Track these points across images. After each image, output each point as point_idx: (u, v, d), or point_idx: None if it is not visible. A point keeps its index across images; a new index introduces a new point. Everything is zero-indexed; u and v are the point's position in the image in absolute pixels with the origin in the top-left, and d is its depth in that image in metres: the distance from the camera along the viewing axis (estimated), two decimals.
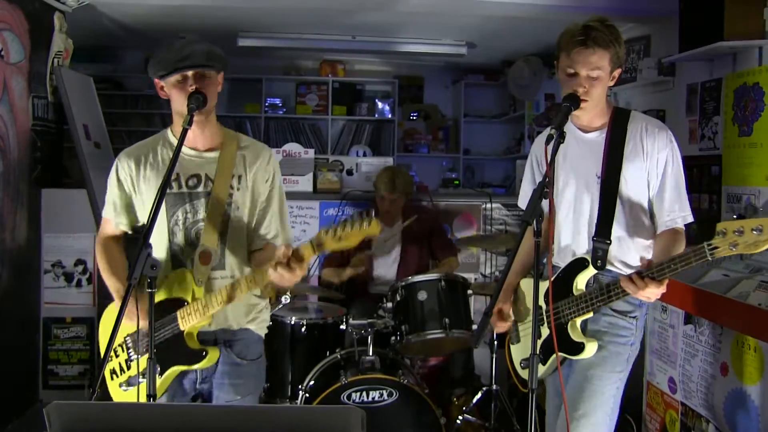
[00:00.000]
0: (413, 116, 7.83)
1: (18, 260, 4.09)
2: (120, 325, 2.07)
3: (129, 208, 2.53)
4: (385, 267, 4.35)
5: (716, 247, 2.06)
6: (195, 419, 1.34)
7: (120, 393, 2.54)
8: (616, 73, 2.45)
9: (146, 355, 2.22)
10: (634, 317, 2.53)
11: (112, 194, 2.52)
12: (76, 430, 1.29)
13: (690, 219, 2.46)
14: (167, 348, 2.40)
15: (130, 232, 2.58)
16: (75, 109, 4.40)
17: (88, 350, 4.36)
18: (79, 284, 4.32)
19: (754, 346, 2.88)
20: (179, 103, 2.36)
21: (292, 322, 3.75)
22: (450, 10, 5.01)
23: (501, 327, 2.70)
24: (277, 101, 7.48)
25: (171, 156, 2.36)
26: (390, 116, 7.53)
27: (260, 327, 2.60)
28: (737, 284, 3.14)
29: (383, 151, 7.45)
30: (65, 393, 4.32)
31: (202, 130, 2.44)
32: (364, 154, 6.33)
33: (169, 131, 2.54)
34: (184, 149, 2.41)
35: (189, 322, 2.38)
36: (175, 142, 2.47)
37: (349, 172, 5.14)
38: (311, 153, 5.07)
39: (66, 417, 1.29)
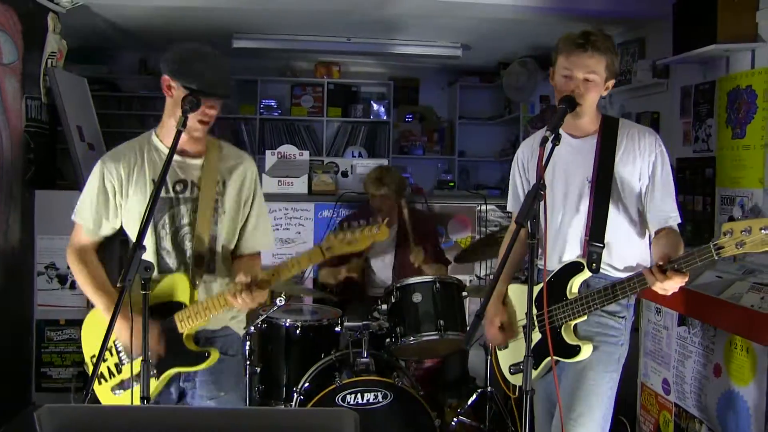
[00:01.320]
0: (408, 118, 7.83)
1: (11, 262, 4.08)
2: (113, 329, 2.07)
3: (108, 216, 2.50)
4: (380, 269, 4.34)
5: (722, 247, 2.10)
6: (187, 421, 1.34)
7: (111, 397, 2.54)
8: (610, 84, 2.49)
9: (137, 360, 2.25)
10: (622, 317, 2.54)
11: (92, 200, 2.48)
12: None
13: (678, 220, 2.49)
14: (167, 350, 2.41)
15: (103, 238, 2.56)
16: (69, 110, 4.39)
17: (81, 353, 4.34)
18: (72, 286, 4.30)
19: (747, 347, 2.89)
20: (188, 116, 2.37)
21: (287, 324, 3.74)
22: (445, 12, 5.01)
23: (500, 339, 2.70)
24: (272, 103, 7.47)
25: (157, 159, 2.44)
26: (385, 118, 7.53)
27: (239, 326, 2.66)
28: (730, 286, 3.15)
29: (378, 152, 7.45)
30: (58, 395, 4.30)
31: (191, 136, 2.46)
32: (360, 156, 6.33)
33: (153, 135, 2.53)
34: None
35: (188, 324, 2.40)
36: (160, 145, 2.50)
37: (344, 174, 5.14)
38: (306, 155, 5.07)
39: (57, 420, 1.28)
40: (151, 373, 2.34)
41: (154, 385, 2.40)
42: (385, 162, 5.29)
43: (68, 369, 4.33)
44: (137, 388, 2.34)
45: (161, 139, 2.50)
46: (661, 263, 2.25)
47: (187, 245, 2.46)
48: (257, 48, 6.23)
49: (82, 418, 1.32)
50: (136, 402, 2.34)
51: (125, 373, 2.51)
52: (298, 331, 3.73)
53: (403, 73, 7.73)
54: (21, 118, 4.18)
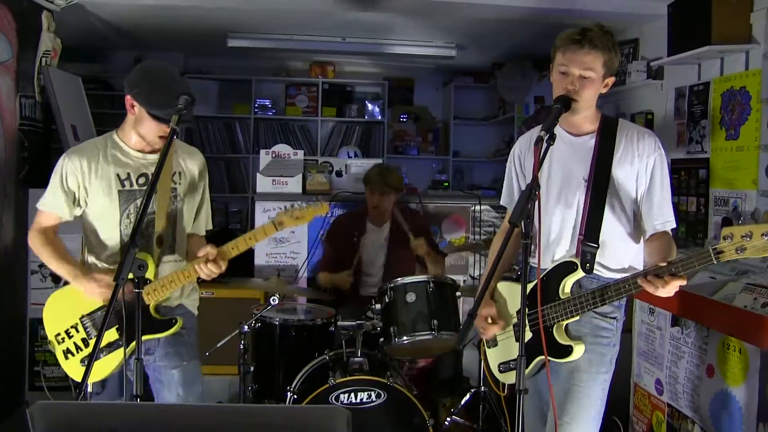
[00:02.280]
0: (403, 118, 7.83)
1: (4, 261, 4.07)
2: (105, 326, 2.20)
3: (69, 203, 2.73)
4: (373, 269, 4.35)
5: (722, 251, 2.08)
6: (180, 418, 1.34)
7: (79, 369, 2.75)
8: (609, 81, 2.47)
9: (111, 329, 2.67)
10: (614, 318, 2.54)
11: (55, 191, 2.72)
12: (59, 430, 1.29)
13: (673, 225, 2.48)
14: (135, 321, 2.52)
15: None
16: (63, 109, 4.38)
17: None
18: (66, 285, 4.29)
19: (740, 347, 2.90)
20: (149, 134, 2.65)
21: (281, 324, 3.74)
22: (440, 12, 5.02)
23: (490, 331, 2.68)
24: (267, 102, 7.46)
25: (120, 156, 2.71)
26: (380, 118, 7.53)
27: (193, 304, 2.93)
28: (723, 286, 3.16)
29: (373, 152, 7.45)
30: (52, 394, 4.29)
31: (151, 143, 2.70)
32: (355, 155, 6.32)
33: (115, 135, 2.77)
34: (131, 152, 2.73)
35: (154, 297, 2.67)
36: (122, 144, 2.74)
37: (339, 174, 5.14)
38: (300, 154, 5.07)
39: (49, 417, 1.28)
40: (120, 343, 2.65)
41: (123, 353, 2.61)
42: (380, 162, 5.29)
43: (61, 368, 4.31)
44: (106, 358, 2.69)
45: (122, 139, 2.75)
46: (656, 269, 2.24)
47: (150, 230, 2.70)
48: (252, 47, 6.22)
49: (73, 414, 1.32)
50: (106, 371, 2.69)
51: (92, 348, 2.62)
52: (291, 331, 3.73)
53: (398, 73, 7.73)
54: (15, 116, 4.17)
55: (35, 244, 2.77)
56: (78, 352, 2.77)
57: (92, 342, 2.72)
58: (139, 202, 2.69)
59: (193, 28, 5.56)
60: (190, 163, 2.87)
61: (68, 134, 4.35)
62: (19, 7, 4.16)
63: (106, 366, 2.70)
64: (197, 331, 2.95)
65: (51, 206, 2.74)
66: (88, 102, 4.98)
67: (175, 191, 2.78)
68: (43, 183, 4.39)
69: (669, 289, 2.23)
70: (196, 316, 2.96)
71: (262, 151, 5.07)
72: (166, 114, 2.54)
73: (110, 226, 2.71)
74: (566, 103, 2.38)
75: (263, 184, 4.94)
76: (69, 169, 2.70)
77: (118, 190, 2.69)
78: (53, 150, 4.63)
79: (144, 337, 2.54)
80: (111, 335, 2.69)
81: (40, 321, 4.31)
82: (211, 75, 7.30)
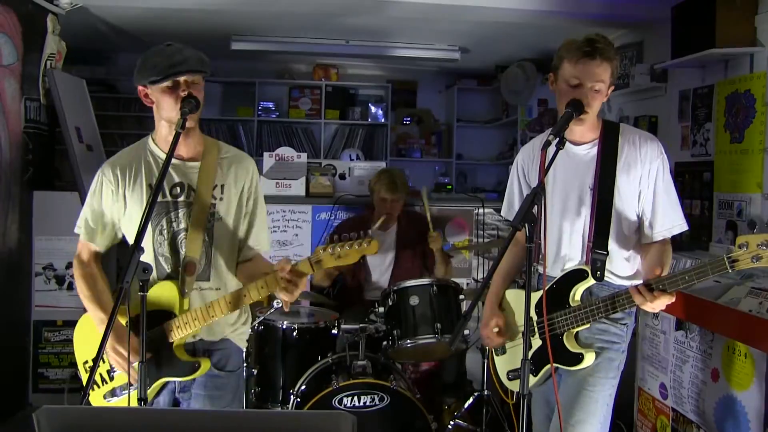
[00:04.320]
0: (406, 121, 7.84)
1: (9, 263, 4.07)
2: (108, 337, 2.04)
3: (107, 226, 2.47)
4: (379, 272, 4.34)
5: (737, 260, 2.06)
6: (184, 424, 1.34)
7: (103, 404, 2.49)
8: (611, 89, 2.47)
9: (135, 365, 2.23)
10: (624, 324, 2.53)
11: (93, 212, 2.46)
12: None
13: (685, 227, 2.47)
14: (156, 359, 2.37)
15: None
16: (67, 111, 4.39)
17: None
18: (70, 287, 4.30)
19: (745, 352, 2.88)
20: (169, 109, 2.33)
21: (284, 327, 3.74)
22: (443, 15, 5.02)
23: (495, 341, 2.68)
24: (270, 105, 7.47)
25: (153, 164, 2.40)
26: (383, 121, 7.54)
27: (241, 339, 2.59)
28: (728, 290, 3.15)
29: (376, 155, 7.46)
30: (55, 396, 4.29)
31: (185, 138, 2.38)
32: (357, 158, 6.32)
33: (150, 140, 2.49)
34: (164, 156, 2.38)
35: (178, 334, 2.36)
36: (157, 150, 2.45)
37: (342, 177, 5.13)
38: (304, 157, 5.06)
39: (55, 421, 1.28)
40: (147, 356, 2.25)
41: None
42: (383, 165, 5.28)
43: (65, 370, 4.33)
44: (129, 396, 2.30)
45: (157, 143, 2.46)
46: (649, 282, 2.23)
47: (183, 250, 2.40)
48: (255, 50, 6.24)
49: (79, 419, 1.32)
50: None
51: (117, 381, 2.48)
52: (294, 334, 3.72)
53: (401, 75, 7.74)
54: (20, 119, 4.18)
55: (75, 274, 2.50)
56: (103, 385, 2.50)
57: (117, 376, 2.47)
58: (172, 215, 2.39)
59: (196, 30, 5.56)
60: (238, 172, 2.49)
61: (73, 136, 4.36)
62: (24, 10, 4.18)
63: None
64: (243, 371, 2.58)
65: (86, 229, 2.47)
66: (93, 104, 4.99)
67: (214, 208, 2.42)
68: (47, 185, 4.45)
69: (656, 305, 2.23)
70: (243, 353, 2.62)
71: (266, 154, 5.07)
72: (163, 71, 2.27)
73: (144, 244, 2.27)
74: (578, 107, 2.35)
75: (267, 186, 4.93)
76: (104, 185, 2.43)
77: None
78: (58, 152, 4.65)
79: (164, 379, 2.39)
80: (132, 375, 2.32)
81: (44, 323, 4.40)
82: (214, 78, 7.30)
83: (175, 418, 1.40)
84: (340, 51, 6.42)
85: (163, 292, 2.39)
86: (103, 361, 2.48)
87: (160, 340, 2.36)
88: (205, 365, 2.40)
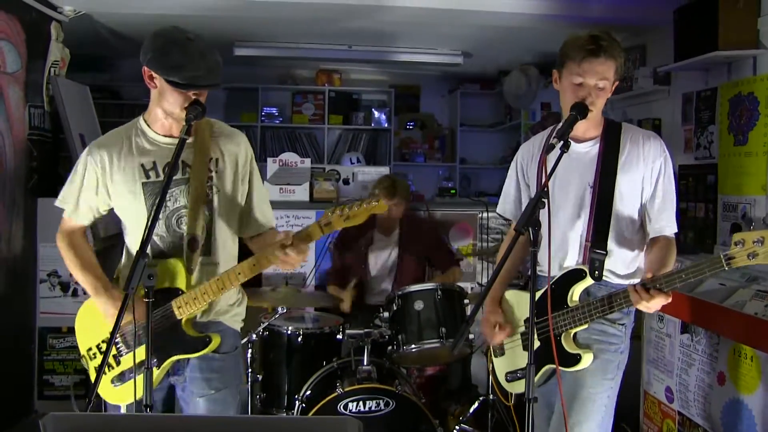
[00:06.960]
0: (409, 125, 7.84)
1: (13, 270, 4.08)
2: (116, 333, 2.05)
3: (91, 203, 2.48)
4: (382, 277, 4.34)
5: (733, 257, 2.05)
6: (192, 430, 1.34)
7: (111, 389, 2.50)
8: (615, 85, 2.46)
9: (140, 348, 2.30)
10: (622, 324, 2.52)
11: (75, 188, 2.47)
12: None
13: (675, 229, 2.46)
14: (165, 338, 2.36)
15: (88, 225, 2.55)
16: (71, 118, 4.40)
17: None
18: (75, 294, 4.30)
19: (751, 355, 2.88)
20: (173, 105, 2.33)
21: (289, 332, 3.74)
22: (446, 19, 5.02)
23: (497, 338, 2.68)
24: (274, 110, 7.47)
25: (146, 144, 2.42)
26: (386, 125, 7.54)
27: (235, 321, 2.58)
28: (734, 293, 3.14)
29: (379, 160, 7.45)
30: (61, 403, 4.29)
31: (178, 120, 2.38)
32: (358, 161, 6.33)
33: (141, 120, 2.48)
34: (158, 137, 2.43)
35: (186, 311, 2.36)
36: (148, 130, 2.45)
37: (346, 182, 5.14)
38: (307, 162, 5.07)
39: (61, 428, 1.28)
40: (153, 362, 2.25)
41: (156, 374, 2.36)
42: (386, 170, 5.29)
43: (70, 377, 4.32)
44: (137, 379, 2.32)
45: (149, 124, 2.46)
46: (645, 282, 2.23)
47: (183, 228, 2.40)
48: (258, 56, 6.24)
49: (86, 426, 1.32)
50: (137, 393, 2.32)
51: (124, 364, 2.47)
52: (299, 339, 3.72)
53: (404, 80, 7.74)
54: (24, 126, 4.19)
55: (60, 246, 2.53)
56: (109, 371, 2.48)
57: (123, 360, 2.46)
58: (168, 194, 2.36)
59: (199, 37, 5.57)
60: (231, 145, 2.50)
61: (76, 143, 4.37)
62: (28, 17, 4.19)
63: (137, 388, 2.34)
64: (240, 352, 2.59)
65: (69, 204, 2.49)
66: (96, 111, 5.00)
67: (212, 181, 2.42)
68: (52, 192, 4.44)
69: (652, 305, 2.22)
70: (239, 334, 2.61)
71: (269, 159, 5.07)
72: (185, 78, 2.26)
73: (138, 225, 2.35)
74: (583, 110, 2.34)
75: (270, 192, 4.92)
76: (89, 164, 2.44)
77: (142, 183, 2.39)
78: (62, 159, 4.65)
79: (175, 357, 2.39)
80: (140, 354, 2.31)
81: (49, 330, 4.39)
82: None
83: (181, 424, 1.40)
84: (343, 56, 6.42)
85: (169, 269, 2.39)
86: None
87: (167, 319, 2.36)
88: (216, 340, 2.40)
